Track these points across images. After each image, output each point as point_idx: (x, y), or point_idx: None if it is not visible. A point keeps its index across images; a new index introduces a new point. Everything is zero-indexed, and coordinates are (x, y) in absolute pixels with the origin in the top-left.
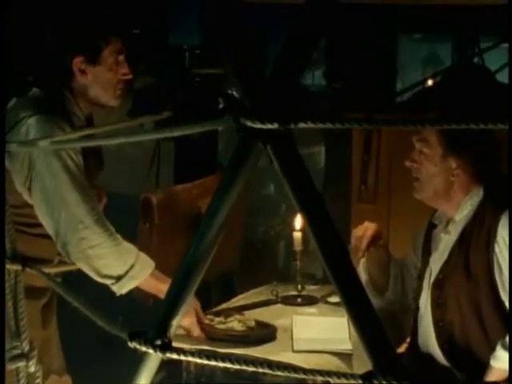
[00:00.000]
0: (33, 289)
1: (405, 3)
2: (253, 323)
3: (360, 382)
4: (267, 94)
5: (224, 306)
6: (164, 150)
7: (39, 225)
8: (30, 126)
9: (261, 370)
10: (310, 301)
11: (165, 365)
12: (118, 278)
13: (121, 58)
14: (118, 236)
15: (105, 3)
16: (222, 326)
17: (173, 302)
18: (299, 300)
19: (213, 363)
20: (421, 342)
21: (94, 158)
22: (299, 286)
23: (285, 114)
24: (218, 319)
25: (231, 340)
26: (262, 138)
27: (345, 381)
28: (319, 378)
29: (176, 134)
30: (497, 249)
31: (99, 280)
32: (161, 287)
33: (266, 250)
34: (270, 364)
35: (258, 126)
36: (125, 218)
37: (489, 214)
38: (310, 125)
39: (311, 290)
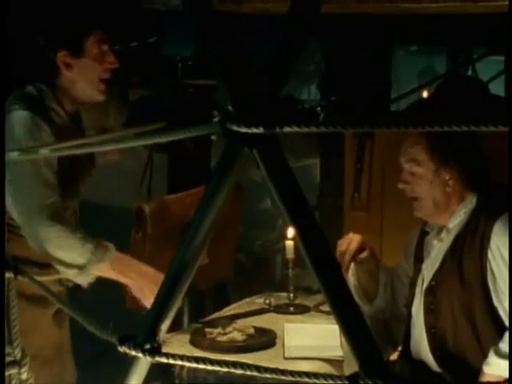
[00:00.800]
0: (43, 297)
1: (400, 13)
2: (252, 331)
3: (347, 383)
4: (253, 100)
5: (216, 314)
6: (157, 161)
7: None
8: (11, 124)
9: (249, 373)
10: (302, 309)
11: (158, 373)
12: (82, 267)
13: (105, 47)
14: (77, 230)
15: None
16: (224, 338)
17: (162, 307)
18: (291, 309)
19: (201, 367)
20: (413, 349)
21: (85, 156)
22: (291, 295)
23: (270, 118)
24: (216, 331)
25: (234, 350)
26: (248, 142)
27: (331, 382)
28: (306, 380)
29: (165, 139)
30: (490, 255)
31: (66, 271)
32: (124, 270)
33: (262, 263)
34: (258, 367)
35: (244, 130)
36: (119, 229)
37: (482, 221)
38: (295, 129)
39: (304, 298)
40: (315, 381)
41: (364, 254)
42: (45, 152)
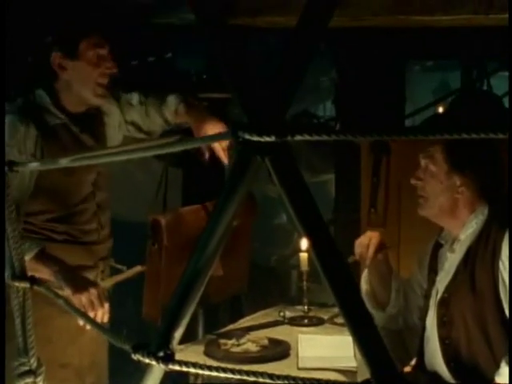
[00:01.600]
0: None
1: (412, 26)
2: (266, 342)
3: None
4: (264, 109)
5: (231, 326)
6: (172, 175)
7: (65, 232)
8: None
9: (261, 380)
10: (316, 322)
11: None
12: None
13: (102, 51)
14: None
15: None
16: (238, 349)
17: (175, 314)
18: (306, 321)
19: (214, 374)
20: (428, 362)
21: (87, 152)
22: (306, 307)
23: (282, 126)
24: (230, 342)
25: (248, 361)
26: (260, 151)
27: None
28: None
29: (178, 149)
30: (501, 266)
31: None
32: (40, 268)
33: (277, 278)
34: (271, 375)
35: (256, 138)
36: (134, 243)
37: (493, 232)
38: (307, 137)
39: (318, 311)
40: None
41: (384, 251)
42: (34, 165)
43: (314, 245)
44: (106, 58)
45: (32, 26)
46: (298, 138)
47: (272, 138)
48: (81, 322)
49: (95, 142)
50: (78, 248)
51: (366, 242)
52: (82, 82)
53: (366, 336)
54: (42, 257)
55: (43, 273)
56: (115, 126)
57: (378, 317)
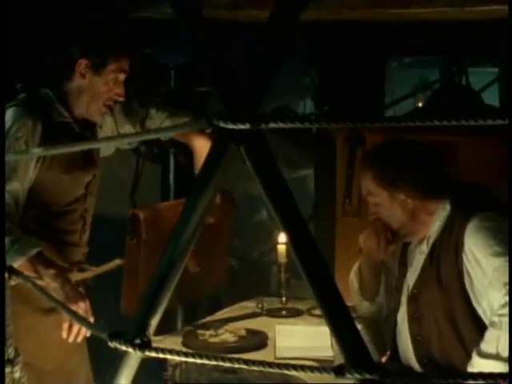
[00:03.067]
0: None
1: (389, 19)
2: (244, 332)
3: (333, 374)
4: (240, 98)
5: (209, 318)
6: (150, 171)
7: (49, 229)
8: (7, 113)
9: (237, 366)
10: (294, 313)
11: (151, 377)
12: None
13: (121, 77)
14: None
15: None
16: (216, 340)
17: (151, 302)
18: (284, 312)
19: (190, 360)
20: (401, 355)
21: (85, 157)
22: (284, 299)
23: (256, 114)
24: (208, 333)
25: (226, 352)
26: (235, 138)
27: (318, 374)
28: (294, 372)
29: (153, 136)
30: (465, 259)
31: None
32: (39, 269)
33: (258, 273)
34: (246, 360)
35: (231, 126)
36: (114, 239)
37: (455, 225)
38: (281, 125)
39: (296, 303)
40: (302, 372)
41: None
42: (37, 151)
43: (288, 231)
44: (120, 84)
45: (52, 26)
46: (272, 125)
47: (246, 126)
48: (51, 324)
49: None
50: (57, 247)
51: (374, 234)
52: (92, 96)
53: (340, 323)
54: (39, 259)
55: (40, 274)
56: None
57: (367, 308)
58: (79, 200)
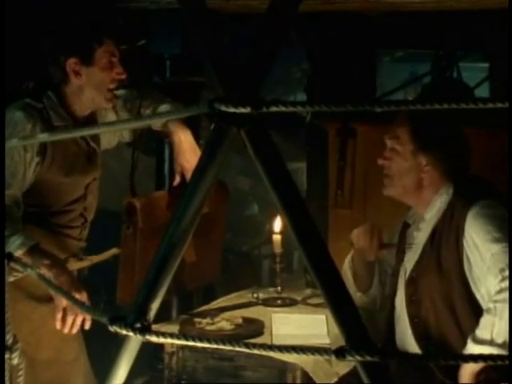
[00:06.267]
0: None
1: (383, 10)
2: (240, 320)
3: (333, 356)
4: (241, 82)
5: (205, 307)
6: (145, 163)
7: (71, 226)
8: (7, 117)
9: (237, 349)
10: (289, 302)
11: (147, 364)
12: None
13: (114, 59)
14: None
15: (95, 9)
16: (212, 327)
17: (151, 286)
18: (279, 302)
19: (191, 344)
20: (398, 341)
21: (86, 161)
22: (279, 288)
23: (257, 98)
24: (205, 321)
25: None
26: (236, 122)
27: (319, 356)
28: (294, 354)
29: (153, 121)
30: (465, 244)
31: None
32: (34, 261)
33: (249, 266)
34: (247, 344)
35: (232, 110)
36: (108, 230)
37: (457, 211)
38: (282, 108)
39: (291, 292)
40: (302, 354)
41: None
42: (44, 136)
43: (288, 214)
44: (117, 64)
45: (43, 30)
46: (274, 109)
47: (248, 110)
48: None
49: (89, 147)
50: (56, 239)
51: (368, 236)
52: (95, 87)
53: (341, 305)
54: (35, 251)
55: (35, 266)
56: (110, 134)
57: (360, 299)
58: (78, 200)
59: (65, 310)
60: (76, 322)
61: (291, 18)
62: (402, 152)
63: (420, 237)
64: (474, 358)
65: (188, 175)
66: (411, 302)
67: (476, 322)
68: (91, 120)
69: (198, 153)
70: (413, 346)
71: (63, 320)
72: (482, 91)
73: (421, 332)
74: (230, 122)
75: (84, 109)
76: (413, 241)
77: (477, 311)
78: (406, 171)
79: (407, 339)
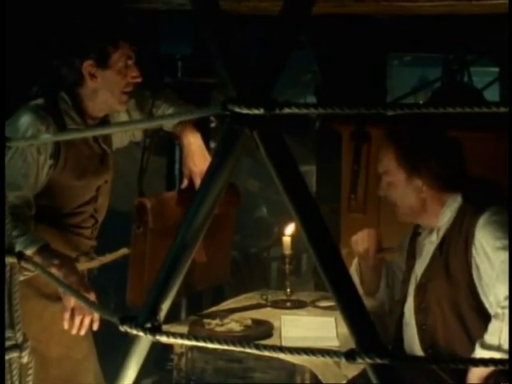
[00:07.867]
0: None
1: (396, 12)
2: (249, 322)
3: (343, 358)
4: (254, 83)
5: (214, 308)
6: (155, 164)
7: (82, 226)
8: (18, 116)
9: (247, 350)
10: (298, 304)
11: (156, 365)
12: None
13: (130, 62)
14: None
15: (111, 11)
16: (222, 329)
17: (162, 286)
18: (288, 304)
19: (201, 344)
20: (406, 347)
21: (99, 164)
22: (288, 290)
23: (270, 100)
24: (214, 322)
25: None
26: (249, 123)
27: (328, 358)
28: (304, 356)
29: (166, 122)
30: (474, 252)
31: None
32: (44, 261)
33: (258, 268)
34: (257, 345)
35: (245, 111)
36: (118, 231)
37: (467, 218)
38: (295, 110)
39: (300, 295)
40: (312, 356)
41: (383, 246)
42: (47, 137)
43: (301, 217)
44: (132, 67)
45: (60, 33)
46: (287, 110)
47: (261, 111)
48: (56, 310)
49: (102, 150)
50: (67, 238)
51: (365, 241)
52: (110, 89)
53: (351, 308)
54: (45, 251)
55: (44, 266)
56: (122, 133)
57: (368, 303)
58: (89, 202)
59: (73, 311)
60: (84, 322)
61: (304, 20)
62: (396, 182)
63: (430, 243)
64: (475, 361)
65: (196, 179)
66: (419, 310)
67: (484, 329)
68: (104, 121)
69: (207, 157)
70: (420, 353)
71: (71, 320)
72: (492, 95)
73: (428, 340)
74: (242, 123)
75: (98, 111)
76: (423, 247)
77: (485, 319)
78: (406, 197)
79: (415, 346)
